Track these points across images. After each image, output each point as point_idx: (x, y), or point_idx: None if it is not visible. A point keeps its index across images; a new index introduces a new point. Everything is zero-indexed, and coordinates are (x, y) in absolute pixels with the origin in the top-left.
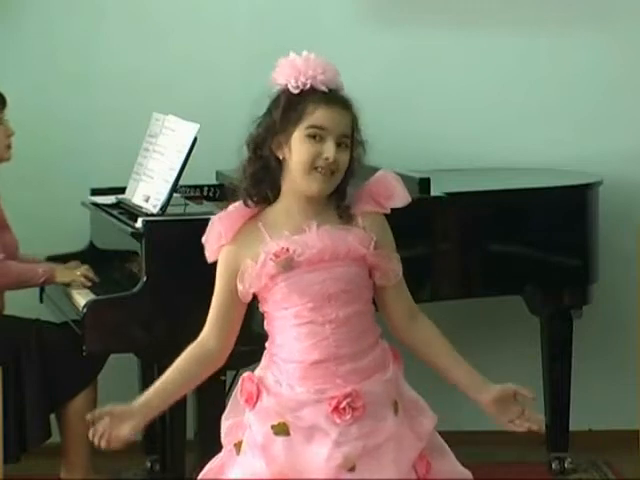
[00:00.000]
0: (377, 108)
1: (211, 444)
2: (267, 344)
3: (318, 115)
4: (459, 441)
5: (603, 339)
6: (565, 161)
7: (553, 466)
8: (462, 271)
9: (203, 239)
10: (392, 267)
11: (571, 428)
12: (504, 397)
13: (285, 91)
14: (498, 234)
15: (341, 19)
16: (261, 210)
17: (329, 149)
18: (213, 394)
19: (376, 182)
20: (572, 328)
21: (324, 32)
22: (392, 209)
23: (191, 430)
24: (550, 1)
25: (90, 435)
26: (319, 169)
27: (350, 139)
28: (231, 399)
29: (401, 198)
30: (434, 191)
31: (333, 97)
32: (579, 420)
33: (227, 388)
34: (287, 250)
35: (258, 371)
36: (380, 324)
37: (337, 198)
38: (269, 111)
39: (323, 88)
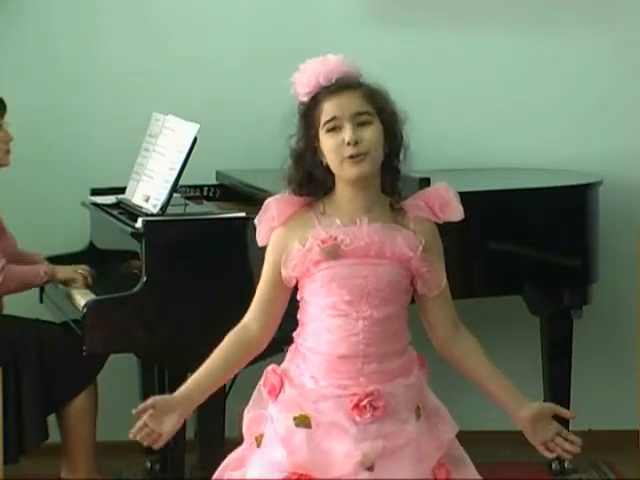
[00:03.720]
0: None
1: (211, 444)
2: (295, 333)
3: (327, 109)
4: (459, 441)
5: (603, 339)
6: (565, 161)
7: (553, 466)
8: (462, 271)
9: (255, 221)
10: (435, 277)
11: (571, 428)
12: (542, 416)
13: (301, 105)
14: (498, 234)
15: (341, 19)
16: (316, 200)
17: (347, 133)
18: (213, 394)
19: (433, 191)
20: (572, 328)
21: (324, 32)
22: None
23: (191, 430)
24: (550, 2)
25: (133, 433)
26: (347, 158)
27: (372, 114)
28: (254, 392)
29: (456, 212)
30: None
31: (336, 86)
32: (579, 420)
33: (227, 388)
34: (335, 238)
35: (284, 363)
36: (412, 332)
37: (389, 188)
38: (299, 124)
39: (328, 84)
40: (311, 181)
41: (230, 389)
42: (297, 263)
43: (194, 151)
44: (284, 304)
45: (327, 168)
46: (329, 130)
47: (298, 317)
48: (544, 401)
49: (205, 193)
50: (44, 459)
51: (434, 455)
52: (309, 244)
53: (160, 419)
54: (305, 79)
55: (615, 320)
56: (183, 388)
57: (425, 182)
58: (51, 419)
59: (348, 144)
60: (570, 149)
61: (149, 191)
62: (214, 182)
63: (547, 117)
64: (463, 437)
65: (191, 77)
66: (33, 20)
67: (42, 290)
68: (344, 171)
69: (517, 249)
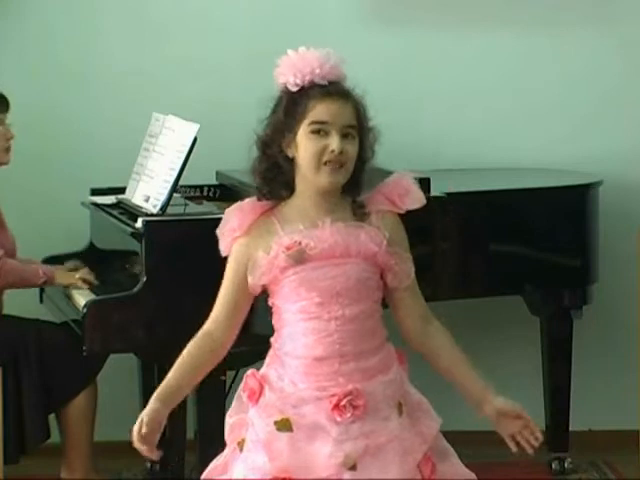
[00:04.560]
0: (377, 108)
1: (211, 444)
2: (272, 339)
3: (319, 110)
4: (459, 441)
5: (603, 339)
6: (565, 161)
7: (553, 466)
8: (462, 271)
9: (217, 231)
10: (404, 267)
11: (571, 428)
12: (506, 415)
13: (286, 90)
14: (498, 234)
15: (341, 19)
16: (276, 205)
17: (334, 142)
18: (213, 394)
19: (391, 182)
20: (572, 328)
21: (324, 32)
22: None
23: (191, 430)
24: (550, 1)
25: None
26: (327, 163)
27: (356, 129)
28: (235, 397)
29: (417, 199)
30: (434, 191)
31: (332, 90)
32: (579, 420)
33: (227, 388)
34: (299, 243)
35: (262, 368)
36: (388, 327)
37: (351, 193)
38: (274, 111)
39: (322, 82)
40: (274, 174)
41: (230, 389)
42: (264, 271)
43: (194, 151)
44: (246, 311)
45: (292, 162)
46: (314, 132)
47: (273, 323)
48: (544, 401)
49: (205, 193)
50: (44, 459)
51: (419, 450)
52: (274, 251)
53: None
54: (299, 69)
55: (615, 320)
56: (158, 397)
57: (425, 182)
58: (51, 419)
59: (332, 152)
60: (570, 149)
61: (149, 191)
62: (214, 182)
63: (547, 117)
64: (463, 437)
65: (191, 77)
66: (33, 20)
67: (42, 290)
68: (319, 176)
69: (517, 249)
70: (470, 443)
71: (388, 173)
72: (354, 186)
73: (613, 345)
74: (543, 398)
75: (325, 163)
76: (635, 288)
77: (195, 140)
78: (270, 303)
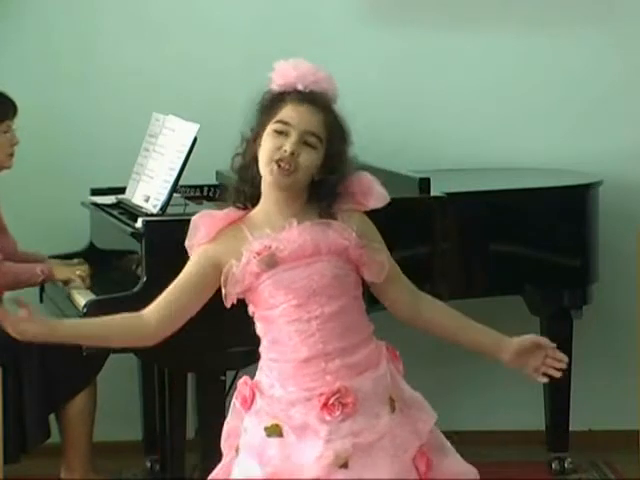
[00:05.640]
0: (377, 108)
1: (211, 444)
2: (260, 349)
3: (286, 111)
4: (459, 441)
5: (603, 339)
6: (565, 161)
7: (553, 466)
8: (462, 271)
9: (186, 244)
10: (377, 259)
11: (571, 428)
12: (524, 350)
13: (268, 92)
14: (498, 234)
15: (341, 19)
16: (244, 215)
17: (289, 142)
18: (213, 394)
19: (352, 182)
20: (572, 328)
21: (324, 33)
22: (385, 210)
23: (191, 430)
24: (550, 1)
25: None
26: (278, 162)
27: (320, 140)
28: (231, 404)
29: (380, 197)
30: (434, 191)
31: (307, 97)
32: (579, 420)
33: (227, 388)
34: (269, 247)
35: (255, 376)
36: (380, 326)
37: (317, 199)
38: (257, 110)
39: (303, 90)
40: (245, 178)
41: (230, 388)
42: (238, 279)
43: (194, 151)
44: (189, 314)
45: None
46: (276, 130)
47: (257, 332)
48: (544, 401)
49: (205, 193)
50: (44, 459)
51: (412, 445)
52: (245, 258)
53: (27, 321)
54: (287, 74)
55: (615, 320)
56: (56, 321)
57: (425, 182)
58: (51, 419)
59: (285, 151)
60: (570, 149)
61: (149, 191)
62: (214, 182)
63: (547, 117)
64: (463, 437)
65: (191, 77)
66: (33, 20)
67: (42, 290)
68: (268, 173)
69: (517, 249)
70: (470, 443)
71: (388, 173)
72: (320, 196)
73: (613, 345)
74: (543, 398)
75: (277, 162)
76: (635, 288)
77: (195, 140)
78: (250, 313)
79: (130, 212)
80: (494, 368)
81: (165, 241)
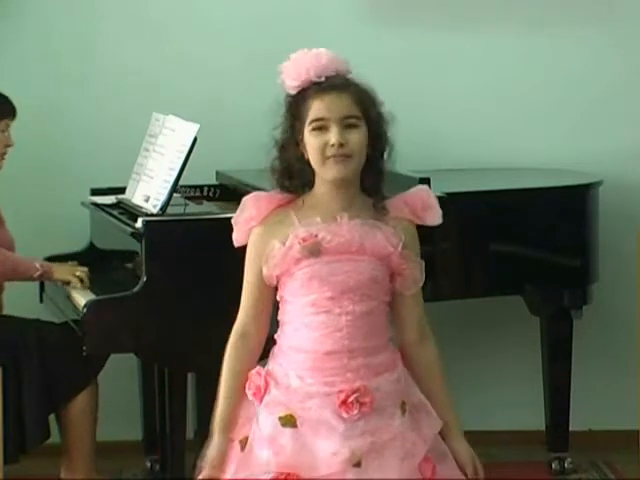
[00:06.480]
0: None
1: None
2: (276, 335)
3: (315, 108)
4: None
5: (603, 339)
6: (565, 161)
7: (553, 466)
8: (462, 271)
9: (233, 220)
10: (414, 274)
11: (571, 428)
12: (456, 456)
13: (288, 96)
14: (498, 234)
15: (342, 19)
16: (295, 198)
17: (333, 135)
18: (213, 394)
19: (414, 194)
20: (572, 328)
21: (324, 33)
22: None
23: (191, 430)
24: (550, 1)
25: None
26: (331, 157)
27: (359, 118)
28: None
29: (436, 216)
30: (434, 191)
31: (326, 85)
32: (579, 420)
33: None
34: (315, 236)
35: (267, 365)
36: None
37: (372, 188)
38: (284, 116)
39: (318, 80)
40: (293, 174)
41: None
42: (278, 262)
43: (194, 151)
44: (273, 300)
45: (308, 162)
46: (315, 129)
47: (278, 318)
48: (544, 401)
49: (205, 193)
50: (44, 459)
51: (420, 450)
52: (290, 242)
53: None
54: (295, 72)
55: (615, 320)
56: (220, 430)
57: (425, 182)
58: (51, 419)
59: (332, 146)
60: (570, 149)
61: (149, 191)
62: (214, 182)
63: (547, 117)
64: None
65: (191, 77)
66: (33, 20)
67: (42, 290)
68: (326, 170)
69: (517, 249)
70: (470, 443)
71: (388, 173)
72: (373, 180)
73: (613, 345)
74: (543, 398)
75: (329, 158)
76: (635, 288)
77: (195, 140)
78: (278, 297)
79: (130, 212)
80: (494, 368)
81: (165, 241)
